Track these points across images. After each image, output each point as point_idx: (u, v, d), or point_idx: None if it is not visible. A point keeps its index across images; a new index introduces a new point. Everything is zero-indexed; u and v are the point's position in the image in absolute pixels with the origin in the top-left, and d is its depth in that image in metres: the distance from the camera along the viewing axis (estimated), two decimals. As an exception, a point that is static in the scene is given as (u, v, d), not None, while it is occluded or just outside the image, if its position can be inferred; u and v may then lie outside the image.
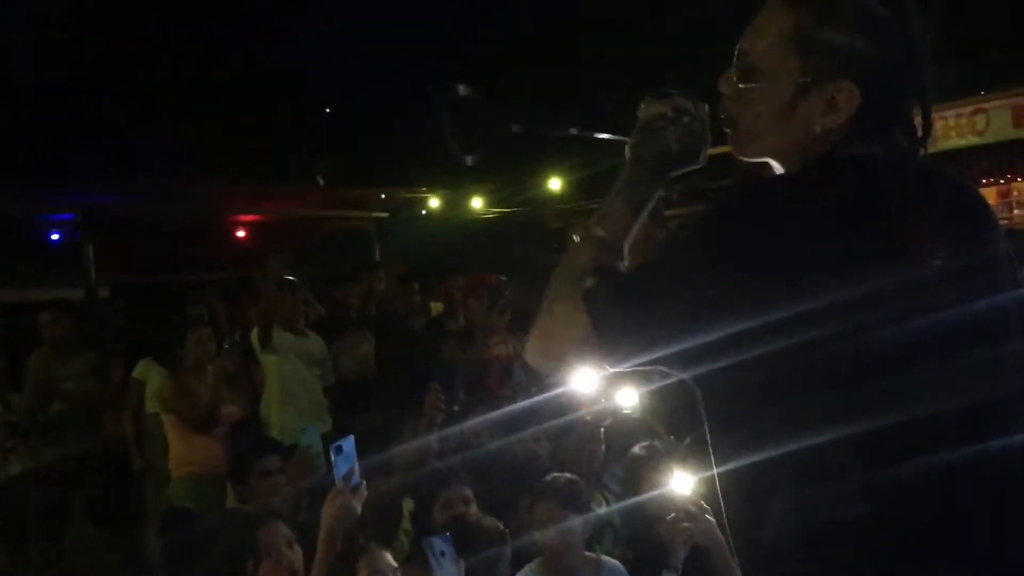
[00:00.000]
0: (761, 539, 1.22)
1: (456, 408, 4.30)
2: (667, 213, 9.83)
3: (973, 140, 7.41)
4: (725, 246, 1.19)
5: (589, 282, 1.25)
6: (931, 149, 1.36)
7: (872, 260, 1.17)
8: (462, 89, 1.57)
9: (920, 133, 1.31)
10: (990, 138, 7.40)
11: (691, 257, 1.23)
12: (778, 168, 1.38)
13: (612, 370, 1.27)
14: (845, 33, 1.26)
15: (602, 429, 4.06)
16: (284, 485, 3.59)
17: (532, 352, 1.34)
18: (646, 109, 1.45)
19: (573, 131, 1.59)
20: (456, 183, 10.52)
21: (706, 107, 1.44)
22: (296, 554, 2.91)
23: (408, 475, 3.52)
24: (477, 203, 10.33)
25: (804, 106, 1.29)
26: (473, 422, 4.00)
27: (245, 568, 2.82)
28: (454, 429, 3.94)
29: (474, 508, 3.25)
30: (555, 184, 9.96)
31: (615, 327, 1.23)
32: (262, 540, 2.87)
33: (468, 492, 3.38)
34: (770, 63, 1.30)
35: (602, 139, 1.53)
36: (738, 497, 1.28)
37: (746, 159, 1.39)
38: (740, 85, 1.33)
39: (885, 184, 1.24)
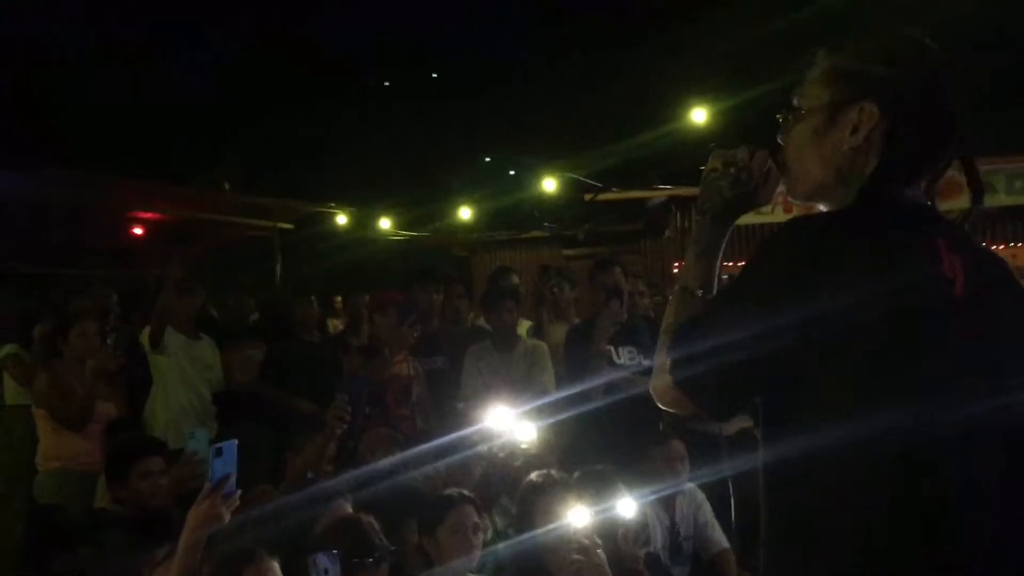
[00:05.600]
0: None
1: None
2: (571, 252, 10.07)
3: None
4: (770, 280, 1.32)
5: (669, 341, 1.40)
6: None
7: (902, 291, 1.26)
8: None
9: (971, 185, 1.43)
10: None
11: (741, 292, 1.36)
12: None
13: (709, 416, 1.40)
14: (870, 63, 1.41)
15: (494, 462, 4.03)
16: (166, 489, 3.42)
17: (653, 393, 1.45)
18: (707, 164, 1.56)
19: None
20: (365, 202, 10.41)
21: (764, 154, 1.54)
22: None
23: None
24: (385, 223, 10.22)
25: (834, 132, 1.42)
26: (385, 461, 3.87)
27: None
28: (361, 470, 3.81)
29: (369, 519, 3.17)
30: (465, 213, 9.94)
31: (697, 386, 1.35)
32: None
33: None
34: (808, 101, 1.46)
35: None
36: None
37: (800, 202, 1.52)
38: (789, 130, 1.48)
39: (914, 223, 1.36)
